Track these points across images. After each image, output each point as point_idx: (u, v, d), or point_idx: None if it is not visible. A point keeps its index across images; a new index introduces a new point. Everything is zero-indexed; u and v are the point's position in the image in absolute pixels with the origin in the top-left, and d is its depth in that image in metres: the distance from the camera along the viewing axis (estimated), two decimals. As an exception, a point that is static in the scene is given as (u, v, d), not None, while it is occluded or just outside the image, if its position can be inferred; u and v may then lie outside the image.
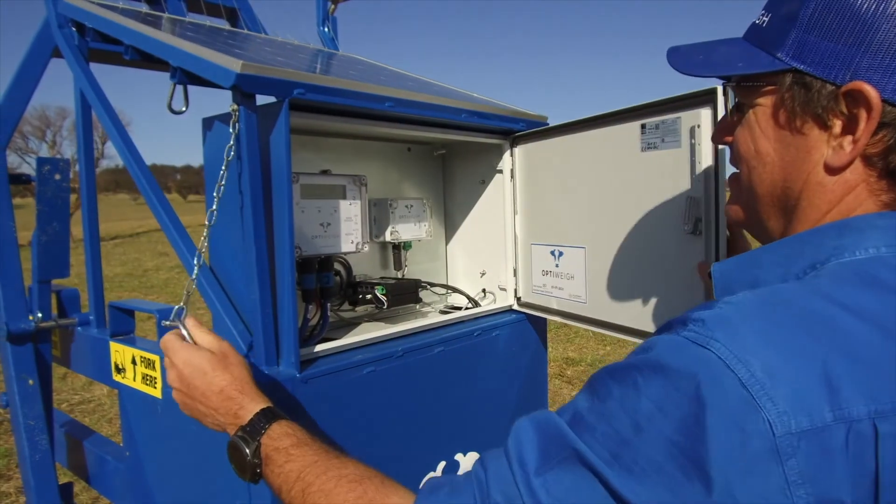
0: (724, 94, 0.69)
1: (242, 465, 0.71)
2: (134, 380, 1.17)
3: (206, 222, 0.89)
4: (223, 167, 0.87)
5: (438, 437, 1.16)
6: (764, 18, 0.64)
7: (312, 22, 1.80)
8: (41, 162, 1.30)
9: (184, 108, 1.01)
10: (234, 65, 0.85)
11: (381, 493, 0.61)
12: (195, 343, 0.80)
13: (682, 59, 0.69)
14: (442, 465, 1.17)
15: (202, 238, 0.88)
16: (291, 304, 0.93)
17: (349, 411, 1.00)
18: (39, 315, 1.34)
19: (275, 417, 0.73)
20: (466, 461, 1.21)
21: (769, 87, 0.61)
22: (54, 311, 1.43)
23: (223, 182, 0.88)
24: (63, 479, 1.49)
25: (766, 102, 0.62)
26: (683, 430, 0.45)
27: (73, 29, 1.28)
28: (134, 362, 1.17)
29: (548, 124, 1.39)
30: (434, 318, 1.25)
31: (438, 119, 1.17)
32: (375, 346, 1.08)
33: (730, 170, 0.73)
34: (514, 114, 1.31)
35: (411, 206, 1.40)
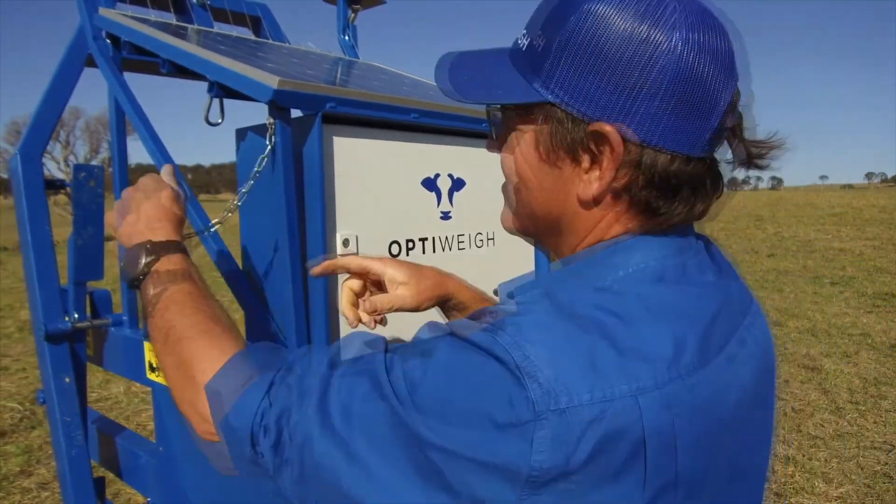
0: (487, 114, 0.67)
1: (134, 269, 0.76)
2: (168, 378, 1.22)
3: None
4: (256, 168, 0.92)
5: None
6: (524, 41, 0.60)
7: (324, 24, 1.84)
8: (77, 169, 1.34)
9: (220, 120, 1.06)
10: (271, 81, 0.90)
11: (215, 338, 0.68)
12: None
13: (446, 75, 0.64)
14: None
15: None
16: (323, 308, 0.98)
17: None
18: (75, 315, 1.39)
19: (182, 251, 0.79)
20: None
21: (528, 116, 0.60)
22: (87, 312, 1.48)
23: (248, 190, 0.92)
24: (94, 475, 1.54)
25: (525, 129, 0.60)
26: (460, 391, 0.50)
27: (108, 41, 1.33)
28: (168, 361, 1.22)
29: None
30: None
31: (459, 129, 1.21)
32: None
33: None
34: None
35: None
